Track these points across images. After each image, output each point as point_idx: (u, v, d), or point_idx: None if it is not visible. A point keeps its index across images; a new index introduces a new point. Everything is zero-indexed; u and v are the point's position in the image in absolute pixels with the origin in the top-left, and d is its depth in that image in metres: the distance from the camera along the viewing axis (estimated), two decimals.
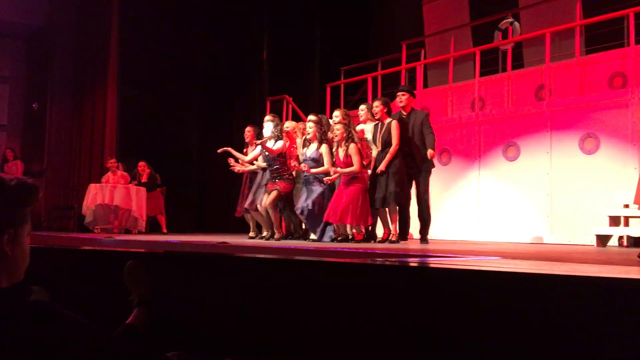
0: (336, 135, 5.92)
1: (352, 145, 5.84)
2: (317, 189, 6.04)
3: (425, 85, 9.32)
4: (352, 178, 5.83)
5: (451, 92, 8.60)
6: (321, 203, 5.98)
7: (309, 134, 6.22)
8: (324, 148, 6.07)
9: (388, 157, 5.73)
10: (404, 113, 6.08)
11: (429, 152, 5.85)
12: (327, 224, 5.95)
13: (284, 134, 6.50)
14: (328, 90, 9.93)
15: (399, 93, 6.16)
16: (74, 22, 10.60)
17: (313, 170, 6.04)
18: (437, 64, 9.50)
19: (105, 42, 10.01)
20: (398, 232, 5.85)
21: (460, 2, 10.00)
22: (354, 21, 11.31)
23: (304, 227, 6.64)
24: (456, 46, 9.37)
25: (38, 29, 10.83)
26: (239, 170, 7.04)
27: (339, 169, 5.85)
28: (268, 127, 6.55)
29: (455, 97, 8.55)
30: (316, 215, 5.97)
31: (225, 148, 6.79)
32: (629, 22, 6.90)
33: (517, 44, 8.64)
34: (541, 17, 8.66)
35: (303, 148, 6.40)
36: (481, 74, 8.12)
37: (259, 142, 6.43)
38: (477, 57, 8.07)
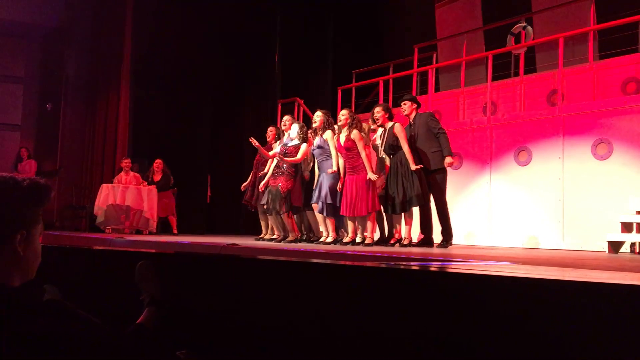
0: (340, 121, 5.92)
1: (355, 131, 5.82)
2: (328, 178, 6.03)
3: (437, 89, 9.29)
4: (357, 166, 5.79)
5: (463, 96, 8.58)
6: (334, 192, 5.98)
7: (315, 122, 6.20)
8: (328, 134, 6.08)
9: (410, 157, 5.67)
10: (410, 121, 6.09)
11: (447, 160, 5.78)
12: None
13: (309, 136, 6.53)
14: (339, 93, 9.93)
15: (402, 102, 6.18)
16: (88, 24, 10.69)
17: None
18: (449, 67, 9.48)
19: (119, 43, 10.09)
20: (424, 235, 5.93)
21: (473, 6, 9.98)
22: (366, 24, 11.32)
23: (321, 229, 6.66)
24: (468, 50, 9.35)
25: (52, 30, 10.94)
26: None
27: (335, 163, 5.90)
28: (294, 129, 6.46)
29: (467, 101, 8.52)
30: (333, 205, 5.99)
31: (255, 142, 6.76)
32: None
33: (530, 49, 8.59)
34: (554, 22, 8.62)
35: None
36: (493, 78, 8.09)
37: (262, 183, 6.57)
38: (490, 61, 8.04)
